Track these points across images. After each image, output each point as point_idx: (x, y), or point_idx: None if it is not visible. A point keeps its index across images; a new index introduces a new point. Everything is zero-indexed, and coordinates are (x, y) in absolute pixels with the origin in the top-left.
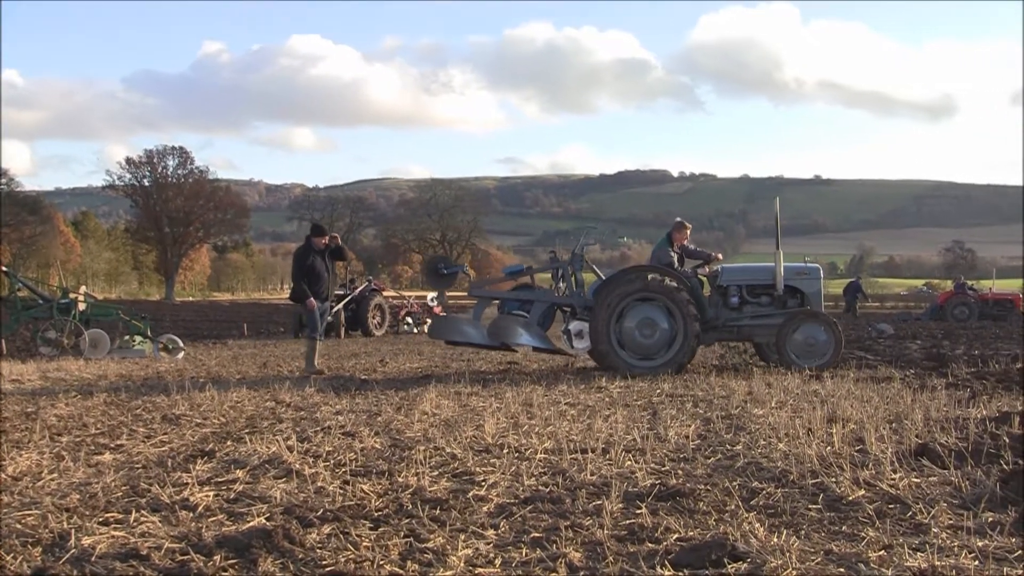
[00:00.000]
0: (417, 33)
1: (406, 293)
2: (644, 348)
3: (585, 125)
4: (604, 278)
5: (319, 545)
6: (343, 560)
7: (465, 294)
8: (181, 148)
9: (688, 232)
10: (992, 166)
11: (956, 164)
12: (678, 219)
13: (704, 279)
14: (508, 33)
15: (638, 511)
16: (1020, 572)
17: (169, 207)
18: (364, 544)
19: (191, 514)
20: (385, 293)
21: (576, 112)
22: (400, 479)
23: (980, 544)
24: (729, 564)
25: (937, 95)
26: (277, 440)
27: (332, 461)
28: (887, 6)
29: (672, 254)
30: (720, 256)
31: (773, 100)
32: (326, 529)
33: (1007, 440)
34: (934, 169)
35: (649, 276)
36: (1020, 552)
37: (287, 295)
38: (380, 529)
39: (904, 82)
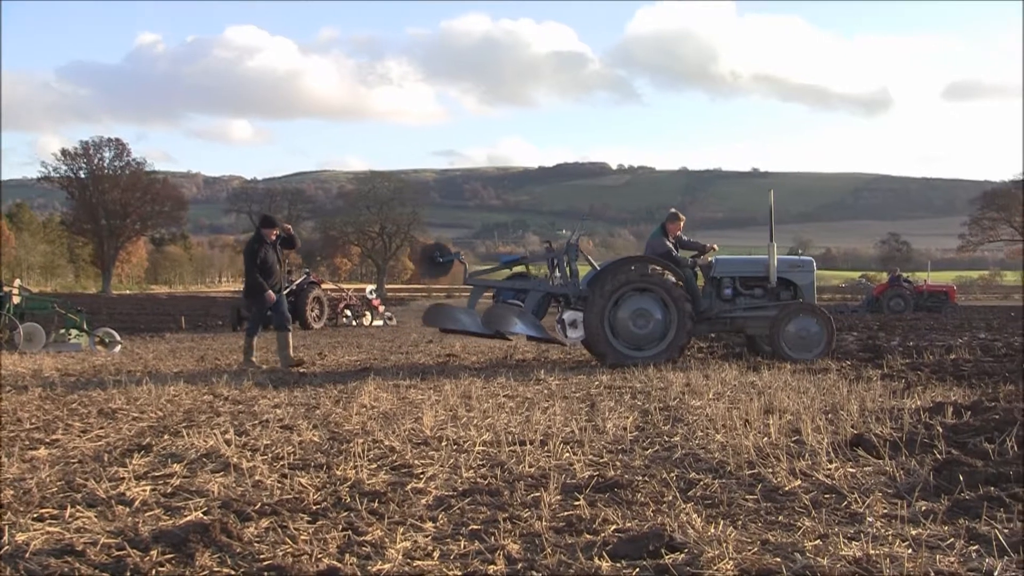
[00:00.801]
0: (354, 25)
1: (345, 285)
2: (637, 338)
3: (523, 118)
4: (599, 268)
5: (257, 539)
6: (281, 554)
7: (405, 287)
8: (118, 140)
9: (682, 223)
10: (926, 159)
11: (891, 158)
12: (672, 209)
13: (698, 270)
14: (445, 25)
15: (576, 503)
16: (953, 560)
17: (106, 199)
18: (302, 537)
19: (127, 509)
20: (324, 286)
21: (514, 104)
22: (338, 472)
23: (914, 532)
24: (667, 555)
25: (872, 89)
26: (215, 434)
27: (270, 454)
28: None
29: (667, 244)
30: (716, 247)
31: (709, 93)
32: (264, 523)
33: (940, 430)
34: (870, 162)
35: (643, 266)
36: (953, 540)
37: (224, 288)
38: (318, 522)
39: (840, 76)
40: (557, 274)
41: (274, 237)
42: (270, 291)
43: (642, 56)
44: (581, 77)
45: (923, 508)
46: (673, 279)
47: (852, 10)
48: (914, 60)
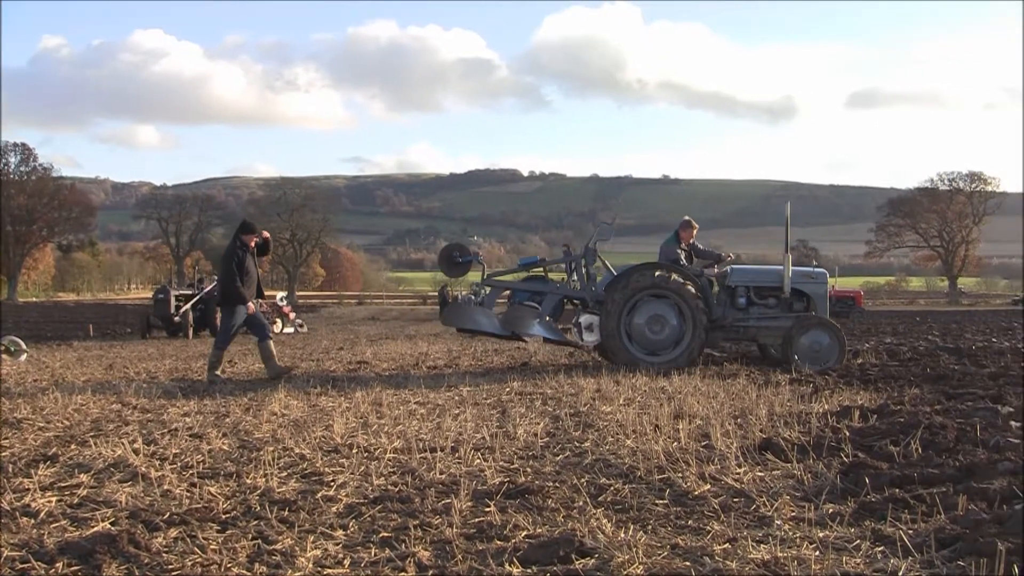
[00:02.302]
0: (261, 30)
1: None
2: (653, 344)
3: (432, 124)
4: (616, 273)
5: (165, 549)
6: (190, 564)
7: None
8: (23, 145)
9: (695, 231)
10: (833, 167)
11: (800, 165)
12: (685, 217)
13: (713, 279)
14: (352, 31)
15: (487, 509)
16: (859, 561)
17: (11, 205)
18: (211, 547)
19: (32, 520)
20: None
21: (422, 111)
22: (248, 480)
23: (821, 535)
24: (577, 560)
25: (776, 97)
26: (123, 443)
27: (179, 463)
28: (727, 8)
29: (679, 252)
30: (731, 256)
31: (617, 100)
32: (172, 533)
33: (847, 433)
34: (779, 170)
35: (658, 273)
36: (859, 541)
37: (133, 295)
38: (228, 532)
39: (744, 84)
40: (574, 277)
41: (254, 244)
42: (251, 303)
43: (550, 63)
44: (489, 84)
45: (830, 510)
46: (691, 287)
47: (756, 19)
48: (817, 69)
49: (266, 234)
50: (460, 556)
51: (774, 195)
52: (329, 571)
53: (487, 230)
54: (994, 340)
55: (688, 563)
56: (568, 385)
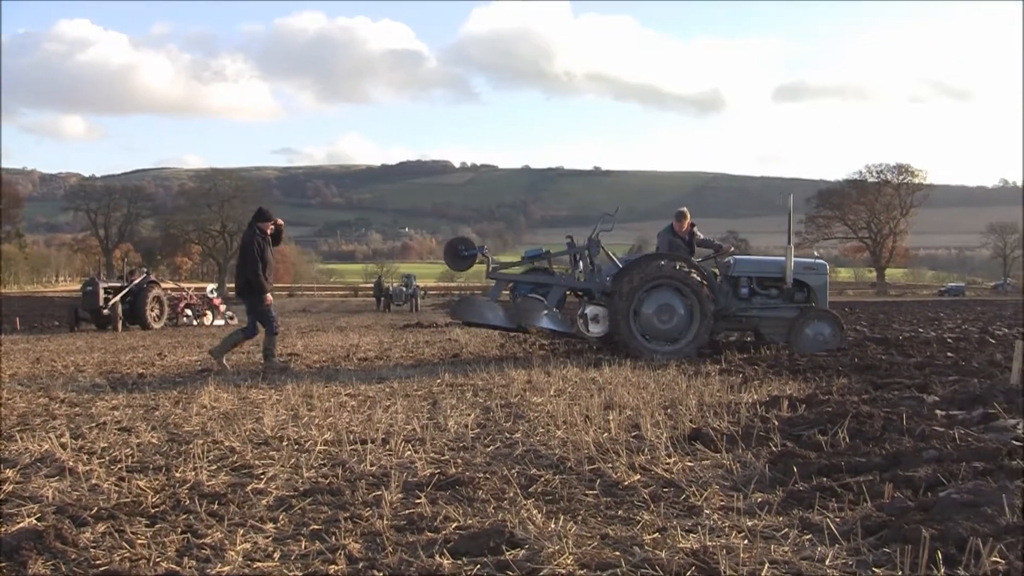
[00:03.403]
0: (187, 20)
1: (185, 285)
2: (662, 333)
3: (361, 115)
4: (621, 265)
5: (93, 544)
6: (118, 559)
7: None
8: None
9: (687, 221)
10: (763, 159)
11: (730, 157)
12: (679, 209)
13: (715, 270)
14: (280, 22)
15: (417, 501)
16: (787, 549)
17: None
18: (140, 542)
19: None
20: (164, 285)
21: (352, 102)
22: (177, 474)
23: (750, 523)
24: (507, 551)
25: (704, 89)
26: (50, 437)
27: (107, 457)
28: (655, 2)
29: (675, 241)
30: (733, 248)
31: (546, 92)
32: (100, 528)
33: (776, 423)
34: (710, 162)
35: (664, 263)
36: (787, 530)
37: (61, 287)
38: (156, 526)
39: (671, 76)
40: (579, 269)
41: (270, 231)
42: (268, 295)
43: (478, 55)
44: (418, 75)
45: (759, 500)
46: (697, 276)
47: (683, 12)
48: (744, 62)
49: (280, 221)
50: (390, 548)
51: (705, 186)
52: (259, 564)
53: (418, 222)
54: (920, 330)
55: (618, 553)
56: (499, 376)
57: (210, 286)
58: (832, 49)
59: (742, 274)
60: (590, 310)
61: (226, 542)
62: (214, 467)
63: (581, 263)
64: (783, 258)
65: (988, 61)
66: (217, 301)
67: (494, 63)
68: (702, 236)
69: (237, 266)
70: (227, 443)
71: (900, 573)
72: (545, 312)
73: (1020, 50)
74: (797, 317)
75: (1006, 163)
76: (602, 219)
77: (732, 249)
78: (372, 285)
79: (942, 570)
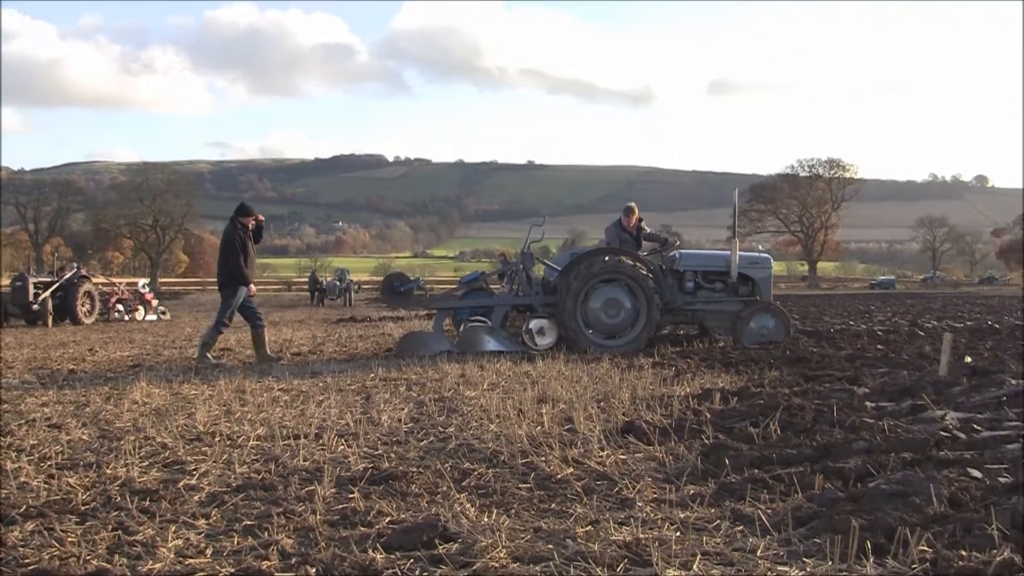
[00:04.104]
0: (116, 12)
1: (116, 279)
2: (610, 328)
3: (294, 108)
4: (559, 269)
5: (21, 543)
6: (47, 557)
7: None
8: None
9: (635, 216)
10: (696, 154)
11: (663, 152)
12: (627, 204)
13: (661, 263)
14: (210, 14)
15: (351, 495)
16: (719, 540)
17: None
18: (70, 540)
19: None
20: (95, 280)
21: (284, 95)
22: (108, 471)
23: (682, 516)
24: (440, 545)
25: (636, 84)
26: None
27: (36, 455)
28: None
29: (622, 236)
30: (678, 242)
31: (478, 85)
32: (29, 526)
33: (708, 415)
34: (643, 156)
35: (608, 257)
36: (719, 521)
37: (7, 283)
38: (87, 523)
39: (604, 71)
40: (515, 285)
41: (251, 226)
42: (251, 285)
43: (410, 48)
44: (350, 68)
45: (691, 492)
46: (643, 270)
47: (616, 6)
48: (677, 57)
49: (261, 217)
50: (323, 543)
51: (639, 180)
52: (191, 561)
53: (352, 216)
54: (851, 323)
55: (551, 546)
56: (432, 371)
57: (142, 281)
58: (766, 44)
59: (687, 268)
60: (534, 324)
61: (157, 539)
62: (146, 463)
63: (516, 279)
64: (728, 252)
65: (920, 58)
66: (149, 296)
67: (426, 57)
68: (649, 230)
69: (219, 260)
70: (159, 439)
71: (830, 563)
72: (489, 335)
73: (1004, 51)
74: (741, 311)
75: (935, 158)
76: (531, 230)
77: (677, 243)
78: (306, 279)
79: (871, 560)
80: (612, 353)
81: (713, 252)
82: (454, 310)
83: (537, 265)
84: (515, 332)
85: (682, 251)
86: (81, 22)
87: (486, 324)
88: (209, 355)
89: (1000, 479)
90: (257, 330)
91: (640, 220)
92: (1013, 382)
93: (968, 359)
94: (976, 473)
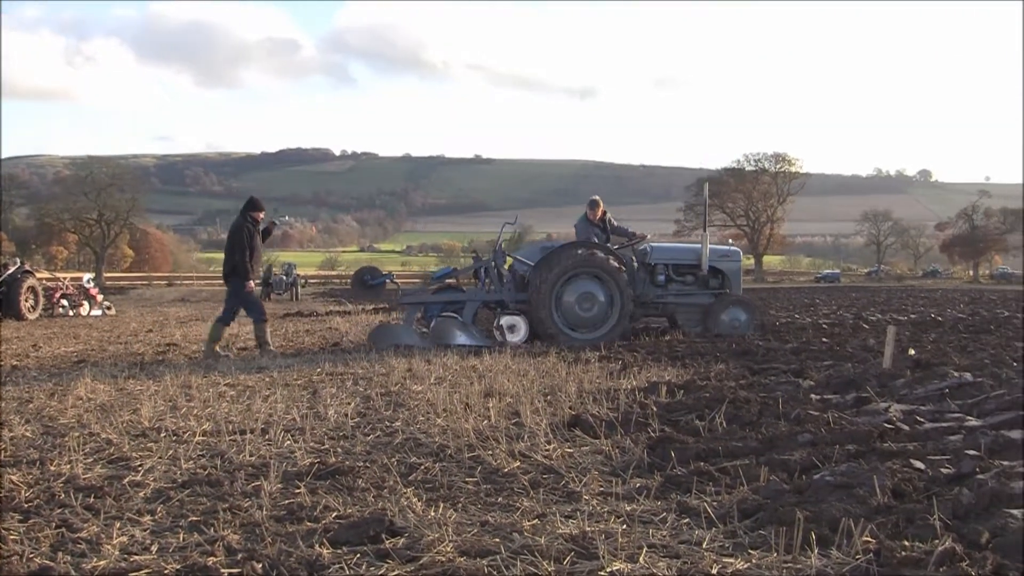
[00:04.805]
0: (58, 4)
1: (61, 275)
2: (584, 321)
3: (239, 102)
4: (531, 264)
5: None
6: None
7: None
8: None
9: (600, 209)
10: (643, 148)
11: (610, 146)
12: (592, 198)
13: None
14: (154, 7)
15: (297, 491)
16: (665, 533)
17: None
18: (12, 537)
19: None
20: (38, 275)
21: (230, 88)
22: (52, 468)
23: (628, 508)
24: (387, 539)
25: (582, 78)
26: None
27: None
28: None
29: (592, 230)
30: (648, 236)
31: (424, 79)
32: None
33: (655, 409)
34: (591, 150)
35: (581, 251)
36: (665, 514)
37: None
38: (30, 521)
39: (549, 65)
40: (487, 281)
41: (262, 220)
42: (251, 281)
43: (355, 42)
44: (296, 62)
45: (637, 485)
46: (615, 263)
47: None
48: (622, 51)
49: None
50: (270, 538)
51: (588, 175)
52: (136, 557)
53: (299, 210)
54: (797, 316)
55: (498, 540)
56: (379, 365)
57: (87, 276)
58: (711, 40)
59: (659, 261)
60: (505, 320)
61: (102, 536)
62: (90, 460)
63: (488, 276)
64: (699, 245)
65: (866, 55)
66: (94, 291)
67: (372, 50)
68: (615, 223)
69: (226, 251)
70: (104, 435)
71: (775, 555)
72: (460, 330)
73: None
74: (713, 303)
75: (879, 152)
76: (502, 228)
77: (648, 236)
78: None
79: (815, 551)
80: (559, 347)
81: (684, 245)
82: (425, 306)
83: (507, 260)
84: (486, 329)
85: (653, 244)
86: (24, 13)
87: (458, 318)
88: (217, 349)
89: (942, 470)
90: (259, 324)
91: (605, 213)
92: (956, 374)
93: (912, 352)
94: (919, 464)
